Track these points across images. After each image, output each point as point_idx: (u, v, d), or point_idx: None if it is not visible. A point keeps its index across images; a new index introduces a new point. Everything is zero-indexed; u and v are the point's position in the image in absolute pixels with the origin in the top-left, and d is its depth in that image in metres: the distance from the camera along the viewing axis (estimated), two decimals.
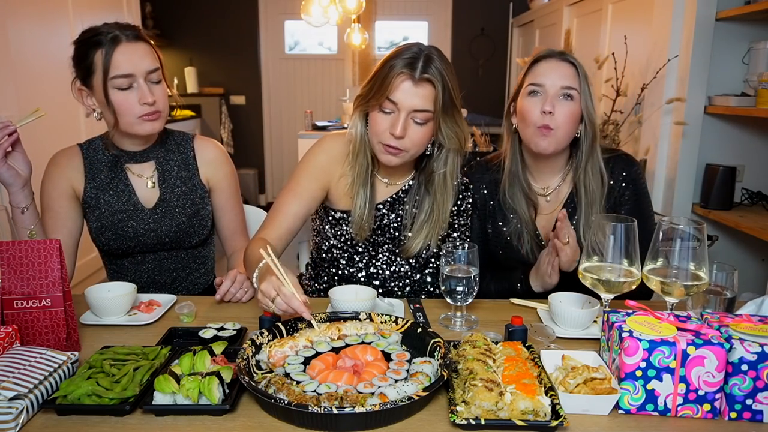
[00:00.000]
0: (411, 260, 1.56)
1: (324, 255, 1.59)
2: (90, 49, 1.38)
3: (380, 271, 1.56)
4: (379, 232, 1.52)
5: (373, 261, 1.56)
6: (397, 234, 1.53)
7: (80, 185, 1.51)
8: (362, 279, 1.57)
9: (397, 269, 1.57)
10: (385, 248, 1.55)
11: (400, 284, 1.58)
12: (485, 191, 1.59)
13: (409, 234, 1.51)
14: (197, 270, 1.65)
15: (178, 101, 1.70)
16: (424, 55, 1.33)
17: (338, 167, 1.49)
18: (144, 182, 1.53)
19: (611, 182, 1.51)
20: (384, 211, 1.52)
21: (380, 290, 1.56)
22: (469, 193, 1.58)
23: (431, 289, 1.59)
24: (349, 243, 1.54)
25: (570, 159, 1.53)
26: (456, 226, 1.57)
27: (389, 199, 1.52)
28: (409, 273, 1.58)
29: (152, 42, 1.46)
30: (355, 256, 1.56)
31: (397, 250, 1.55)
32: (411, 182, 1.52)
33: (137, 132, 1.44)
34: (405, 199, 1.52)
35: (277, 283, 1.13)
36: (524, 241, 1.53)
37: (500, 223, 1.57)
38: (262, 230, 1.43)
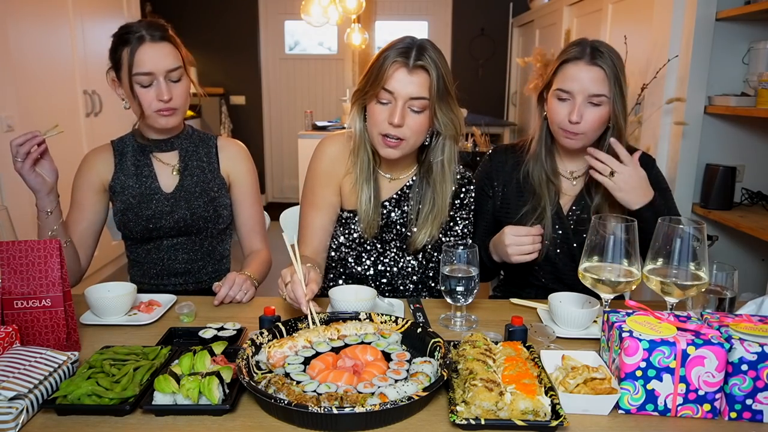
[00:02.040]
0: (418, 256, 1.58)
1: (332, 254, 1.59)
2: (119, 46, 1.49)
3: (388, 269, 1.57)
4: (386, 229, 1.53)
5: (381, 258, 1.57)
6: (403, 230, 1.54)
7: (108, 176, 1.61)
8: (370, 277, 1.57)
9: (404, 266, 1.57)
10: (392, 245, 1.56)
11: (407, 281, 1.59)
12: (506, 170, 1.61)
13: (415, 229, 1.52)
14: (210, 264, 1.69)
15: (201, 97, 1.77)
16: (417, 45, 1.35)
17: (341, 166, 1.52)
18: (168, 170, 1.62)
19: None
20: (390, 207, 1.53)
21: (388, 287, 1.58)
22: (472, 187, 1.59)
23: (432, 285, 1.60)
24: (357, 242, 1.55)
25: (600, 145, 1.53)
26: (458, 219, 1.58)
27: (395, 196, 1.53)
28: (417, 269, 1.58)
29: (178, 41, 1.57)
30: (363, 255, 1.57)
31: (404, 246, 1.56)
32: (414, 178, 1.53)
33: (153, 125, 1.55)
34: (410, 195, 1.53)
35: (293, 270, 1.21)
36: (546, 221, 1.54)
37: (519, 203, 1.58)
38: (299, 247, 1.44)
